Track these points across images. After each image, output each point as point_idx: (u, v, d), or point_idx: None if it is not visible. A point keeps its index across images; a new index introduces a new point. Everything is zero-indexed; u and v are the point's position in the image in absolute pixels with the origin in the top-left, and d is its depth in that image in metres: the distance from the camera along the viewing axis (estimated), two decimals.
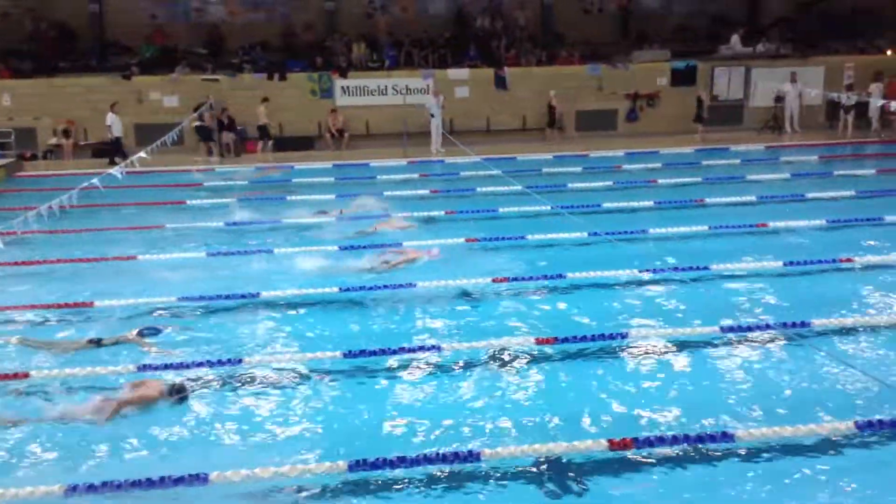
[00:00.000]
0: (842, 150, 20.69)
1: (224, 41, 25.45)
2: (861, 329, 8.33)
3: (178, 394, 6.84)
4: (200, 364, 7.57)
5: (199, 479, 5.51)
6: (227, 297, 9.56)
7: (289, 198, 16.00)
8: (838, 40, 26.54)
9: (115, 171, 11.81)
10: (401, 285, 9.89)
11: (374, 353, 7.79)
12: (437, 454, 5.81)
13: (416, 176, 18.46)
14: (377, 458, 5.67)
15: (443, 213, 14.17)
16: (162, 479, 5.51)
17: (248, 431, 6.52)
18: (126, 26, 25.33)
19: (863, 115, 22.89)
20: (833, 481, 5.61)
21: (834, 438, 6.07)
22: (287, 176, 18.88)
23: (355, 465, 5.65)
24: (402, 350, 7.86)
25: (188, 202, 15.70)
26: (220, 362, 7.59)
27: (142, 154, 13.04)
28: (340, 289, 9.79)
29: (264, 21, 26.11)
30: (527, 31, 26.34)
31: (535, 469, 5.82)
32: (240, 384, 7.30)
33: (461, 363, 7.67)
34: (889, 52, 25.94)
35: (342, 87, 23.38)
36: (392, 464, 5.65)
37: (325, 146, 22.79)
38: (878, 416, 6.22)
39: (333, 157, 21.31)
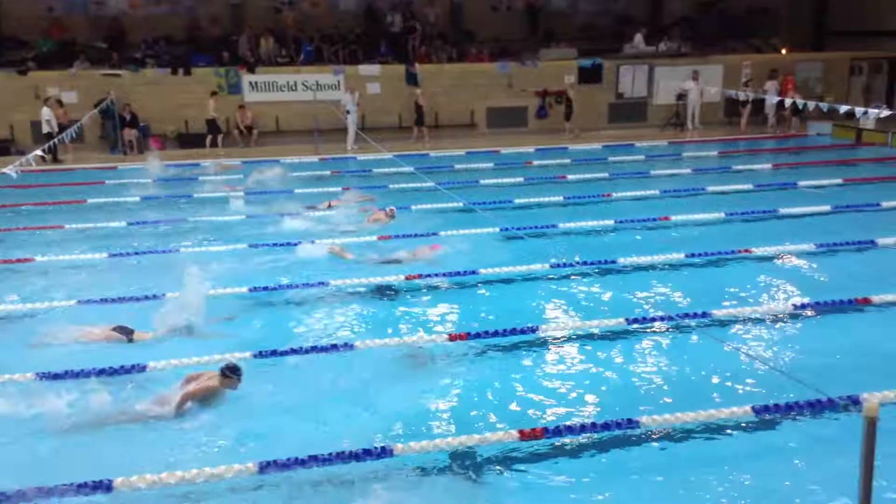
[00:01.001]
0: (739, 146, 21.52)
1: (125, 35, 24.60)
2: (758, 318, 8.71)
3: (234, 373, 6.71)
4: (101, 373, 7.33)
5: (103, 486, 5.33)
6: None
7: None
8: (736, 39, 27.63)
9: (8, 169, 11.28)
10: (312, 284, 9.79)
11: (285, 352, 7.69)
12: (350, 452, 5.77)
13: (328, 173, 18.29)
14: (288, 459, 5.60)
15: (356, 210, 14.08)
16: (64, 486, 5.31)
17: (156, 435, 6.36)
18: (22, 19, 24.14)
19: (759, 111, 23.91)
20: (731, 463, 5.85)
21: (732, 422, 6.34)
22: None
23: (266, 466, 5.57)
24: (315, 349, 7.80)
25: (88, 200, 15.19)
26: (123, 369, 7.37)
27: (38, 152, 12.47)
28: (250, 289, 9.63)
29: (167, 14, 25.34)
30: (437, 29, 26.44)
31: (448, 463, 5.86)
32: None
33: (374, 361, 7.65)
34: (783, 51, 27.17)
35: (250, 83, 22.93)
36: (303, 463, 5.59)
37: (234, 143, 22.32)
38: (773, 401, 6.52)
39: (242, 153, 20.90)
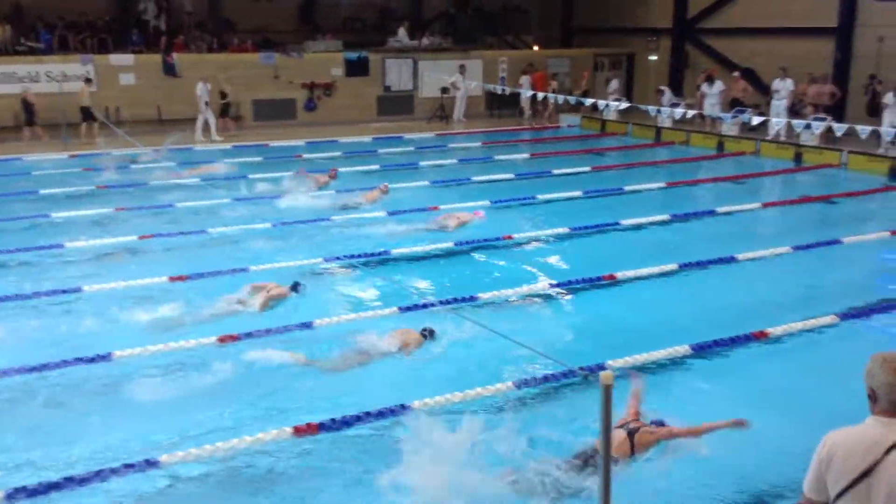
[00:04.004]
0: (500, 137, 22.61)
1: None
2: (519, 299, 9.25)
3: (431, 334, 7.83)
4: None
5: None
6: None
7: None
8: (492, 36, 29.03)
9: None
10: (69, 290, 9.06)
11: (59, 365, 7.08)
12: (112, 468, 5.40)
13: (78, 170, 16.90)
14: (37, 484, 5.14)
15: (112, 209, 13.19)
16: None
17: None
18: None
19: (515, 104, 25.31)
20: (498, 435, 6.12)
21: (497, 398, 6.68)
22: None
23: (13, 495, 5.06)
24: (80, 361, 7.20)
25: None
26: None
27: None
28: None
29: None
30: (194, 17, 25.36)
31: (221, 468, 5.67)
32: None
33: (141, 368, 7.22)
34: (535, 48, 28.94)
35: None
36: (56, 486, 5.16)
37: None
38: (532, 376, 6.97)
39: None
